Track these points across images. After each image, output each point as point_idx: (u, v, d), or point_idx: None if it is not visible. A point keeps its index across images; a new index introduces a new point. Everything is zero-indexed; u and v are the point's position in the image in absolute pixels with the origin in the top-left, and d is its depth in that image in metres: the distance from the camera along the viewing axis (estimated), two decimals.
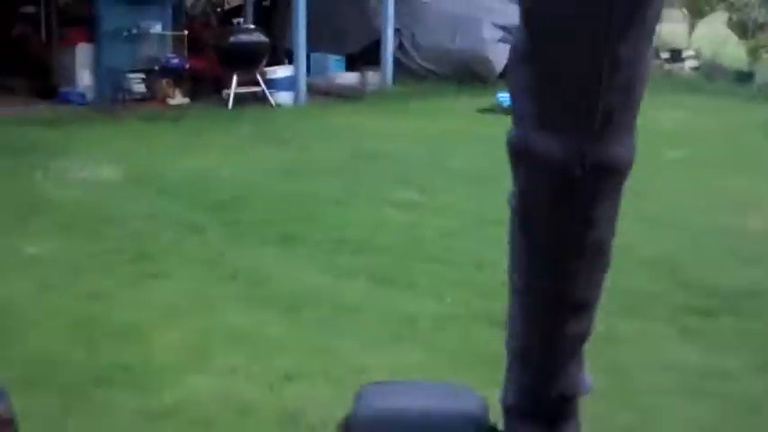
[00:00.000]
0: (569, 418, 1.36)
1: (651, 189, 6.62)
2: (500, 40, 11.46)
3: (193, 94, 11.11)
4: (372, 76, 11.81)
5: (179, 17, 11.82)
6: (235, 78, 10.05)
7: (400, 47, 11.93)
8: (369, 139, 8.27)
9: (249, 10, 12.95)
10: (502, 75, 11.46)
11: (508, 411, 1.34)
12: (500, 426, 1.27)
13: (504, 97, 10.15)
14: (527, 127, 1.19)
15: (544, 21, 1.12)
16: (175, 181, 6.43)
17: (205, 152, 7.57)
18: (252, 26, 10.80)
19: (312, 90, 11.86)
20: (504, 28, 11.55)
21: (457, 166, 7.14)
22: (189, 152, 7.55)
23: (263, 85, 10.20)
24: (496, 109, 10.06)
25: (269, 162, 7.16)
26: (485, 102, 10.37)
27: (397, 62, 11.82)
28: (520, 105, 1.21)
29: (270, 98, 10.22)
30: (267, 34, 12.44)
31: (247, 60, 10.07)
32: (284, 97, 10.38)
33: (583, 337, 1.34)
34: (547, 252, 1.25)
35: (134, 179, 6.47)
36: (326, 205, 5.74)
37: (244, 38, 10.13)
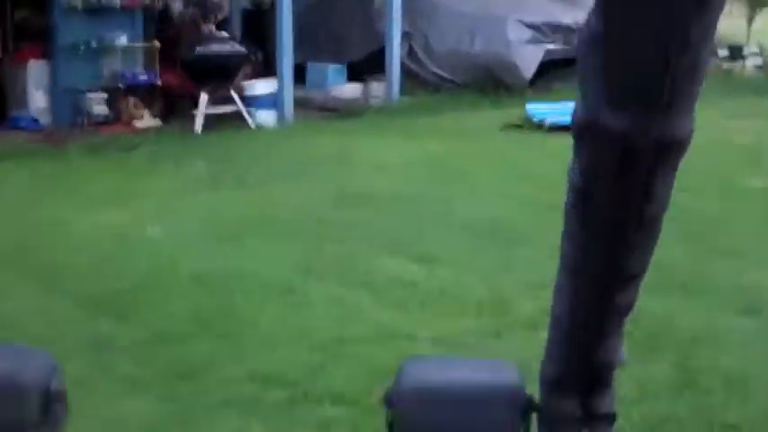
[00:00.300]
0: (606, 388, 1.40)
1: (750, 246, 4.48)
2: (529, 42, 9.31)
3: (167, 115, 9.13)
4: (377, 88, 9.73)
5: (149, 26, 9.86)
6: (203, 97, 8.04)
7: (410, 53, 9.80)
8: (361, 173, 6.20)
9: (236, 17, 10.94)
10: (532, 82, 9.31)
11: (546, 383, 1.38)
12: (537, 398, 1.24)
13: (535, 109, 8.01)
14: (595, 103, 1.26)
15: (620, 4, 1.19)
16: (74, 251, 4.39)
17: (141, 199, 5.54)
18: (224, 34, 8.74)
19: (309, 105, 9.87)
20: (533, 27, 9.40)
21: (473, 215, 5.04)
22: (120, 200, 5.53)
23: (239, 104, 8.17)
24: (525, 124, 7.94)
25: (217, 215, 5.11)
26: (511, 115, 8.24)
27: (406, 70, 9.71)
28: (588, 83, 1.28)
29: (248, 119, 8.19)
30: (259, 44, 10.53)
31: (219, 74, 8.04)
32: (267, 117, 8.33)
33: (628, 309, 1.38)
34: (604, 225, 1.31)
35: (21, 250, 4.46)
36: (268, 297, 3.67)
37: (215, 48, 8.09)
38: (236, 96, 8.17)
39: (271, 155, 6.87)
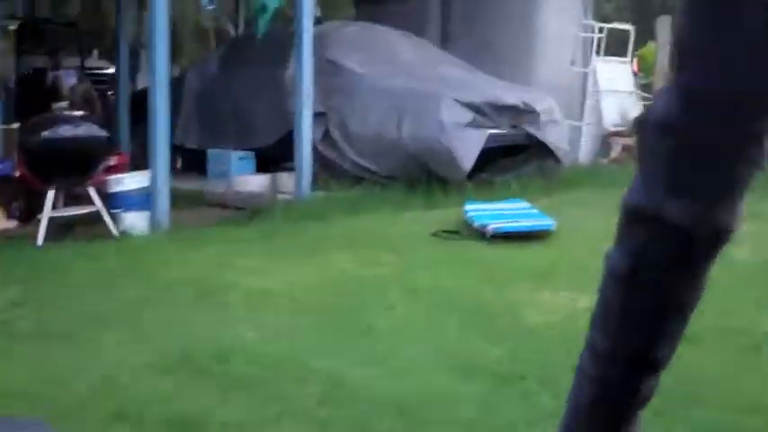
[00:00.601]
0: None
1: None
2: (468, 125, 7.52)
3: (32, 214, 7.09)
4: (287, 181, 7.86)
5: (9, 104, 7.93)
6: (50, 195, 6.04)
7: (325, 137, 7.96)
8: (226, 315, 4.22)
9: (123, 93, 9.00)
10: (472, 173, 7.48)
11: None
12: None
13: (474, 212, 6.17)
14: (657, 191, 1.24)
15: (706, 96, 1.20)
16: None
17: None
18: (80, 113, 6.74)
19: (204, 201, 7.99)
20: (473, 107, 7.61)
21: (376, 402, 3.08)
22: None
23: (98, 204, 6.18)
24: (463, 230, 6.07)
25: None
26: (446, 218, 6.38)
27: (321, 159, 7.86)
28: (650, 169, 1.27)
29: (110, 224, 6.20)
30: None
31: (73, 166, 6.08)
32: (137, 220, 6.36)
33: (648, 399, 1.37)
34: (645, 312, 1.28)
35: None
36: None
37: (66, 132, 6.13)
38: (94, 194, 6.17)
39: (115, 279, 4.85)
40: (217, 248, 5.70)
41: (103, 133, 6.15)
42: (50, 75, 10.56)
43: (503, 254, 5.35)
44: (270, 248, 5.67)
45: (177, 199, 8.21)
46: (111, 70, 13.54)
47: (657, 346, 1.31)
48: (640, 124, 1.30)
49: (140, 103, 9.46)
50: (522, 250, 5.41)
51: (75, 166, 6.02)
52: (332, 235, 6.10)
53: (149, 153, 6.35)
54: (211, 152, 8.53)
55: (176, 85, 9.44)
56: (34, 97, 10.25)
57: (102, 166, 6.22)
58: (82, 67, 11.34)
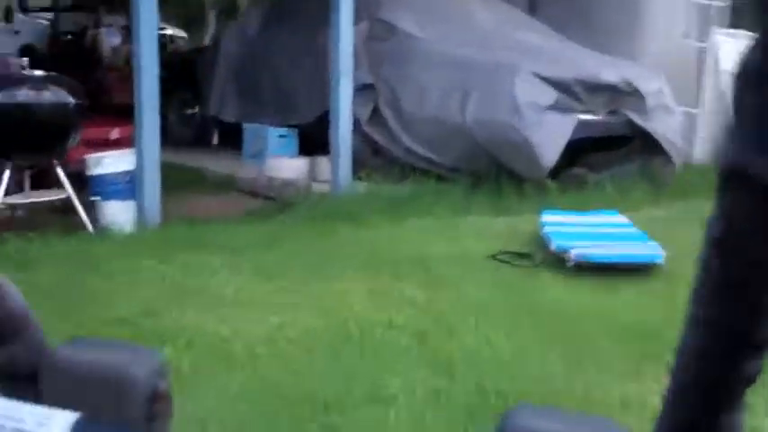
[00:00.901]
0: None
1: None
2: (552, 108, 5.68)
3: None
4: (326, 167, 6.21)
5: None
6: (6, 175, 4.57)
7: (373, 116, 6.24)
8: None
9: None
10: (555, 173, 5.64)
11: None
12: None
13: (553, 226, 4.36)
14: (745, 149, 1.10)
15: None
16: None
17: None
18: (41, 74, 5.12)
19: (231, 186, 6.47)
20: (558, 84, 5.75)
21: None
22: None
23: (68, 190, 4.67)
24: (536, 251, 4.26)
25: None
26: (513, 228, 4.63)
27: (369, 142, 6.16)
28: (739, 125, 1.13)
29: (84, 217, 4.69)
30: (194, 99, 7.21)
31: (32, 141, 4.57)
32: (122, 211, 4.83)
33: (751, 380, 1.22)
34: (741, 283, 1.14)
35: None
36: None
37: (24, 97, 4.57)
38: (63, 176, 4.66)
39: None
40: (200, 259, 4.10)
41: (71, 100, 4.60)
42: (89, 33, 9.17)
43: (587, 299, 3.56)
44: (267, 262, 4.04)
45: (205, 182, 6.77)
46: (169, 31, 12.07)
47: (758, 323, 1.15)
48: (733, 78, 1.12)
49: (177, 65, 8.00)
50: (616, 294, 3.60)
51: (35, 140, 4.50)
52: (357, 245, 4.42)
53: (135, 129, 4.77)
54: (248, 128, 6.97)
55: (212, 49, 7.96)
56: (70, 59, 8.87)
57: (72, 141, 4.68)
58: (127, 26, 9.91)
